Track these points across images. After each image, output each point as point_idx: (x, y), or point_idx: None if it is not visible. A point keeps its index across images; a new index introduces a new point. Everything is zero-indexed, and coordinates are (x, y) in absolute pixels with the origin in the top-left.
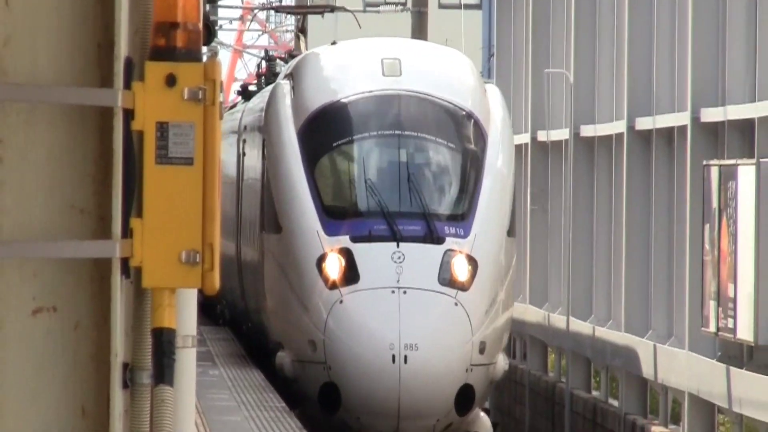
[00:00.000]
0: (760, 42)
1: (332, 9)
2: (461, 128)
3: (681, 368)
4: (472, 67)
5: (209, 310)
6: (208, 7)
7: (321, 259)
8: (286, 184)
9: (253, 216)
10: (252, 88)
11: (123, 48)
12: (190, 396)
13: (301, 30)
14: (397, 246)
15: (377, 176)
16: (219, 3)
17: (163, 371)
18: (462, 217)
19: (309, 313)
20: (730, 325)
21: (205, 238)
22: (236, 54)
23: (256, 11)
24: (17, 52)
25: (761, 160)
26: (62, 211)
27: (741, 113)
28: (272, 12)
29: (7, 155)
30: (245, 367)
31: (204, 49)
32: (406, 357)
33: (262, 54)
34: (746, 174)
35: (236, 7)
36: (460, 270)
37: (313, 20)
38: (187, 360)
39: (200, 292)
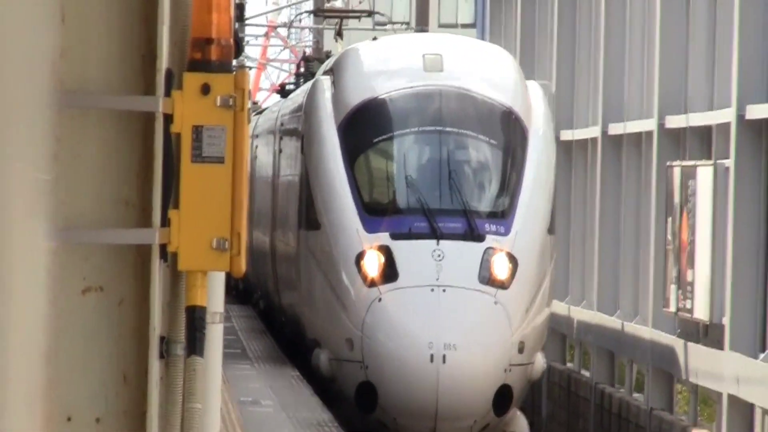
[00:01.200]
0: (718, 57)
1: (370, 13)
2: (502, 124)
3: (645, 344)
4: (513, 63)
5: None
6: (237, 24)
7: (360, 257)
8: (325, 181)
9: (289, 210)
10: (289, 87)
11: (164, 60)
12: (217, 366)
13: (339, 33)
14: (437, 244)
15: (417, 173)
16: (246, 21)
17: (195, 344)
18: (502, 214)
19: (347, 311)
20: (689, 306)
21: (233, 227)
22: (261, 67)
23: (277, 27)
24: (72, 63)
25: (717, 161)
26: (110, 203)
27: (700, 120)
28: (293, 29)
29: (62, 154)
30: (264, 339)
31: (233, 62)
32: (444, 356)
33: (291, 63)
34: (704, 174)
35: (262, 26)
36: (501, 268)
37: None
38: (215, 334)
39: (232, 278)
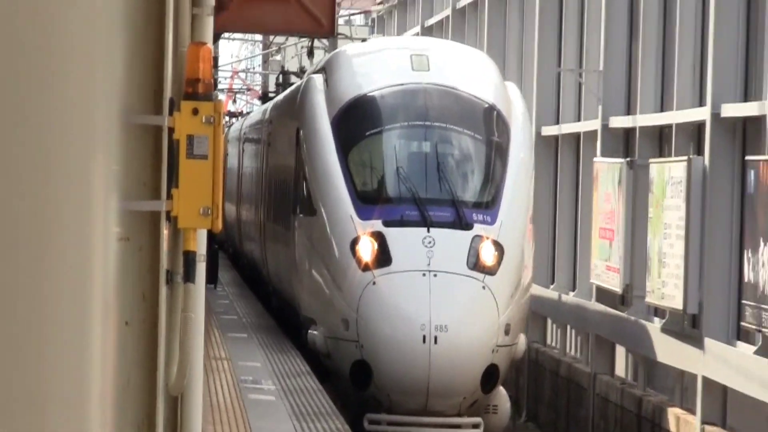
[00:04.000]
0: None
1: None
2: (486, 120)
3: (568, 309)
4: (493, 64)
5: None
6: (214, 70)
7: (354, 242)
8: (321, 170)
9: (282, 195)
10: (271, 95)
11: (168, 93)
12: (201, 289)
13: (310, 52)
14: (428, 231)
15: (408, 164)
16: (219, 68)
17: (189, 274)
18: (488, 204)
19: (342, 293)
20: (612, 277)
21: (214, 200)
22: (228, 97)
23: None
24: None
25: (692, 156)
26: (134, 184)
27: (653, 119)
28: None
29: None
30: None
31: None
32: (436, 338)
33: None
34: (678, 169)
35: (228, 71)
36: (488, 255)
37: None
38: (200, 267)
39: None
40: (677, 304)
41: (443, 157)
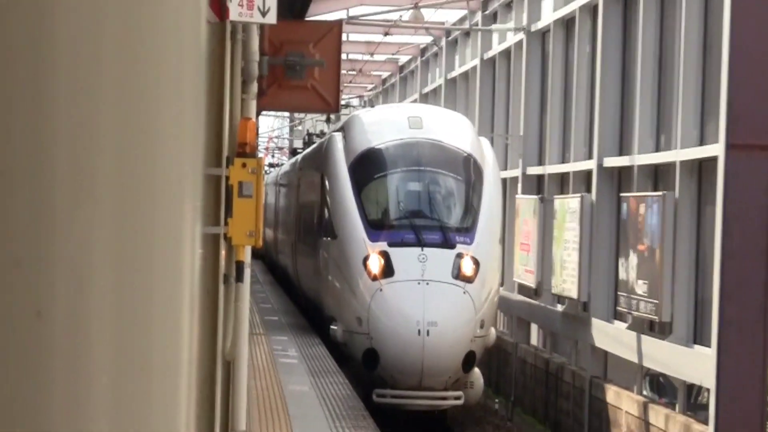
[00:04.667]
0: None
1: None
2: (465, 165)
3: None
4: (470, 124)
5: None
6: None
7: (366, 259)
8: (340, 204)
9: (311, 224)
10: (298, 150)
11: (225, 152)
12: (247, 287)
13: (327, 119)
14: (422, 250)
15: (407, 199)
16: (260, 133)
17: (240, 276)
18: (467, 229)
19: (356, 297)
20: (529, 276)
21: (257, 226)
22: (266, 153)
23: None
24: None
25: (583, 194)
26: (203, 215)
27: (557, 169)
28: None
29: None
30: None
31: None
32: (428, 331)
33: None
34: (574, 203)
35: (264, 136)
36: (467, 268)
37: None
38: (246, 272)
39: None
40: (573, 294)
41: (433, 194)
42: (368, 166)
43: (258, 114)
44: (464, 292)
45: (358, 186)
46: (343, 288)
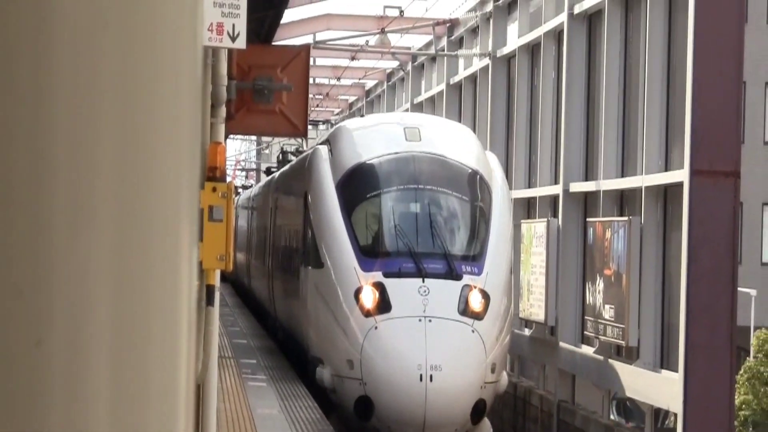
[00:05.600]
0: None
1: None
2: (471, 184)
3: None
4: (474, 136)
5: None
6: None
7: (358, 291)
8: (327, 228)
9: (290, 249)
10: (272, 169)
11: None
12: (216, 312)
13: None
14: (423, 281)
15: (404, 222)
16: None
17: (211, 300)
18: (475, 257)
19: (347, 336)
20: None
21: (227, 250)
22: (233, 176)
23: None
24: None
25: (550, 219)
26: (183, 239)
27: (523, 193)
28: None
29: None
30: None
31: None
32: (431, 376)
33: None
34: (541, 227)
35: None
36: (476, 302)
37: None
38: (217, 296)
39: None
40: (541, 318)
41: (435, 216)
42: (359, 185)
43: (226, 138)
44: (473, 331)
45: (348, 207)
46: (330, 325)
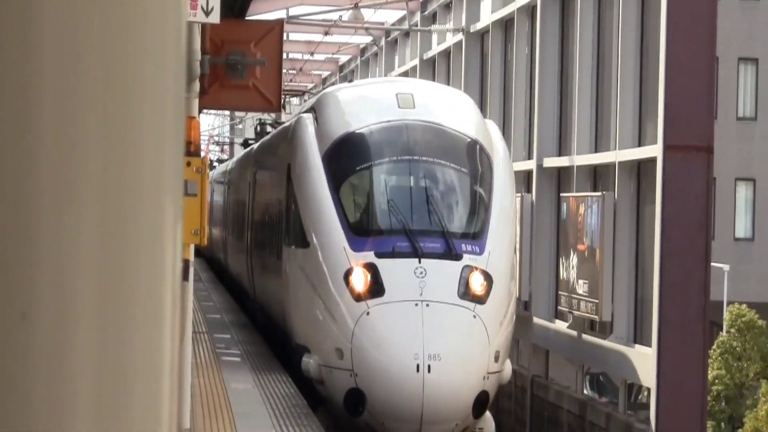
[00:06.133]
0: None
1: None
2: (470, 154)
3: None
4: (473, 103)
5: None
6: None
7: (348, 273)
8: (313, 204)
9: (271, 227)
10: (250, 141)
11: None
12: (190, 286)
13: (282, 105)
14: (419, 262)
15: (398, 197)
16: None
17: (186, 275)
18: (476, 235)
19: (336, 323)
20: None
21: (201, 224)
22: (206, 153)
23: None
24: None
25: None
26: (168, 214)
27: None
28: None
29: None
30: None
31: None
32: (429, 366)
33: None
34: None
35: (206, 136)
36: (478, 285)
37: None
38: (191, 270)
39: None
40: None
41: (431, 190)
42: (347, 156)
43: (199, 113)
44: (474, 316)
45: (335, 181)
46: (318, 311)
